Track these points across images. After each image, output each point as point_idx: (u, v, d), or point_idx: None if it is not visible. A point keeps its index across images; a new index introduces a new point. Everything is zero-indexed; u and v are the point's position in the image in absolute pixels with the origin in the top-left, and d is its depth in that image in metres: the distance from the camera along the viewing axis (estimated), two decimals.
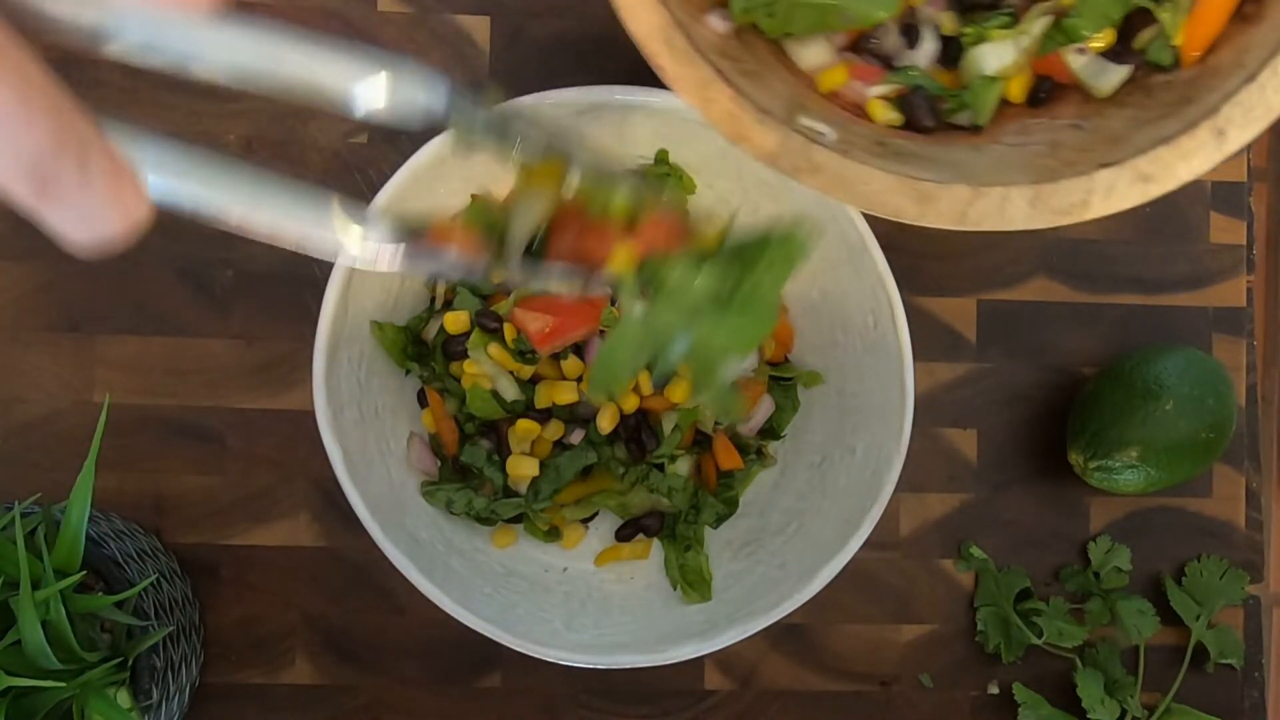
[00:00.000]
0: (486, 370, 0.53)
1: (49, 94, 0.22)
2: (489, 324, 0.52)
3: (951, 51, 0.49)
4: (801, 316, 0.56)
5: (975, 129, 0.49)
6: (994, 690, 0.60)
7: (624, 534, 0.56)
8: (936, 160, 0.45)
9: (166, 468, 0.57)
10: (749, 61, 0.46)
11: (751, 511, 0.56)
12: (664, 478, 0.54)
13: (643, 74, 0.60)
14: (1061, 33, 0.48)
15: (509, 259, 0.34)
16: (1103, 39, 0.48)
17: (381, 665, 0.58)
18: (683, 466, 0.55)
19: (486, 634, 0.49)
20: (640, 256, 0.35)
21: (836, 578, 0.50)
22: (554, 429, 0.53)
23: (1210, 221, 0.62)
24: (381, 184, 0.48)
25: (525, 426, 0.53)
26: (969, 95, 0.48)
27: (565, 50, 0.59)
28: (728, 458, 0.54)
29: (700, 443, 0.55)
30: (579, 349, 0.53)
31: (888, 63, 0.49)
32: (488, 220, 0.35)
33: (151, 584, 0.50)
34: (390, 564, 0.48)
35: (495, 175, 0.40)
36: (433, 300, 0.54)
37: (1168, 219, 0.61)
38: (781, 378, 0.56)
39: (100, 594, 0.48)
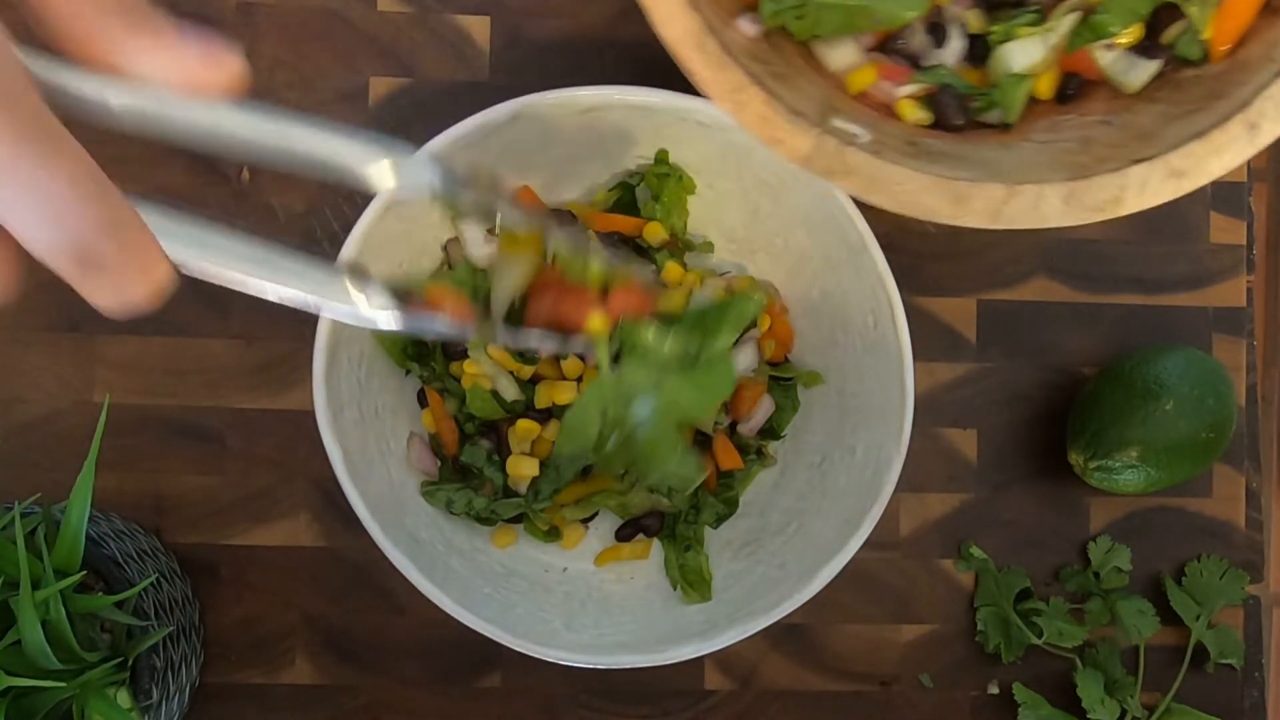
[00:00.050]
0: (486, 370, 0.53)
1: (96, 179, 0.23)
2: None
3: (978, 50, 0.49)
4: (801, 316, 0.56)
5: (1004, 127, 0.49)
6: (994, 690, 0.60)
7: (624, 534, 0.56)
8: (968, 159, 0.45)
9: (166, 468, 0.57)
10: (779, 64, 0.46)
11: (751, 511, 0.56)
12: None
13: (643, 74, 0.60)
14: (1089, 29, 0.48)
15: (494, 321, 0.38)
16: (1131, 34, 0.48)
17: (381, 665, 0.58)
18: None
19: (486, 634, 0.49)
20: (613, 321, 0.39)
21: (836, 578, 0.50)
22: (554, 429, 0.53)
23: (1210, 221, 0.62)
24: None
25: (525, 426, 0.53)
26: (998, 93, 0.48)
27: (565, 50, 0.59)
28: (728, 458, 0.54)
29: (700, 443, 0.55)
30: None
31: (915, 62, 0.49)
32: (472, 284, 0.39)
33: (151, 584, 0.50)
34: (390, 564, 0.48)
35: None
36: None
37: (1168, 219, 0.61)
38: (781, 378, 0.56)
39: (100, 594, 0.48)
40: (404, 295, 0.32)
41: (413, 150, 0.31)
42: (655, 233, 0.54)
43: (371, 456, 0.51)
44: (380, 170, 0.31)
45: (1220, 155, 0.42)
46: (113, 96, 0.26)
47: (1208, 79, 0.46)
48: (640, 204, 0.55)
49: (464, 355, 0.53)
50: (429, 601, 0.48)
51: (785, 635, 0.59)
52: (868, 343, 0.52)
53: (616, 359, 0.40)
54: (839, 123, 0.45)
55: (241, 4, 0.58)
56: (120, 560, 0.49)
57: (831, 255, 0.52)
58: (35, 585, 0.43)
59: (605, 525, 0.56)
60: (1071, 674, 0.58)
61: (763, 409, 0.55)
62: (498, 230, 0.39)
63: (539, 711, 0.58)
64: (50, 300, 0.56)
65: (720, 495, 0.56)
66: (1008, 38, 0.48)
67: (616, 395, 0.40)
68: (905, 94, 0.49)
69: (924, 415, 0.59)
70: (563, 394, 0.52)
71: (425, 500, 0.54)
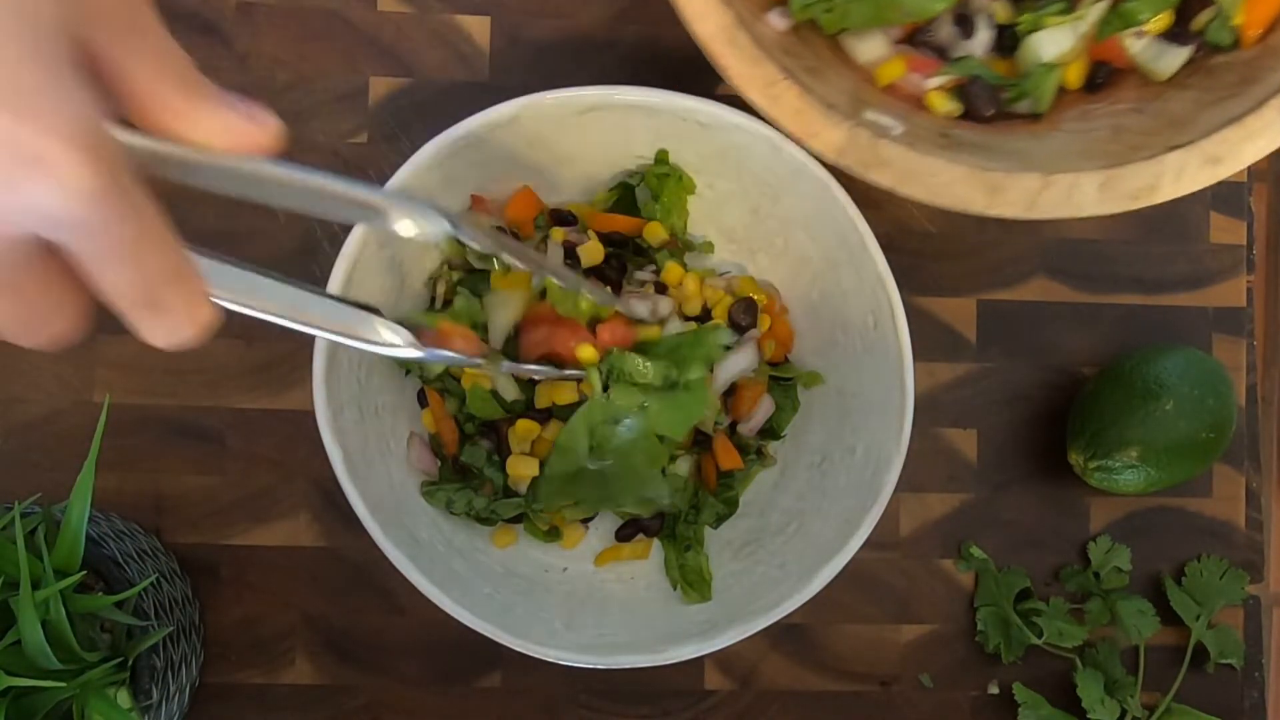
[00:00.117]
0: (486, 370, 0.53)
1: (163, 231, 0.27)
2: None
3: (1006, 40, 0.49)
4: (801, 317, 0.56)
5: (1034, 117, 0.49)
6: (994, 690, 0.60)
7: (624, 534, 0.56)
8: (999, 149, 0.46)
9: (166, 468, 0.57)
10: (808, 58, 0.46)
11: (751, 511, 0.56)
12: (665, 478, 0.54)
13: (643, 74, 0.60)
14: (1118, 17, 0.48)
15: (497, 351, 0.43)
16: (1160, 21, 0.48)
17: (381, 665, 0.58)
18: (683, 466, 0.55)
19: (486, 634, 0.49)
20: (602, 350, 0.45)
21: (836, 578, 0.49)
22: (554, 429, 0.53)
23: (1210, 221, 0.62)
24: (382, 183, 0.48)
25: (525, 426, 0.53)
26: (1028, 83, 0.48)
27: (565, 50, 0.59)
28: (728, 458, 0.54)
29: (700, 443, 0.55)
30: None
31: (943, 54, 0.49)
32: (472, 318, 0.45)
33: (151, 584, 0.50)
34: (390, 564, 0.48)
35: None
36: (433, 300, 0.54)
37: (1168, 219, 0.61)
38: (781, 378, 0.56)
39: (100, 594, 0.48)
40: (418, 330, 0.37)
41: (427, 205, 0.35)
42: (655, 233, 0.54)
43: (371, 456, 0.51)
44: (401, 222, 0.35)
45: (1255, 141, 0.42)
46: (171, 157, 0.29)
47: (1239, 65, 0.46)
48: (640, 204, 0.55)
49: None
50: (429, 601, 0.48)
51: (785, 635, 0.59)
52: (868, 343, 0.52)
53: (605, 384, 0.45)
54: (872, 115, 0.45)
55: (241, 4, 0.58)
56: (120, 560, 0.49)
57: (831, 255, 0.52)
58: (35, 585, 0.43)
59: (605, 525, 0.56)
60: (1071, 674, 0.58)
61: (763, 409, 0.55)
62: (496, 268, 0.45)
63: (539, 711, 0.58)
64: None
65: (720, 495, 0.55)
66: (1036, 27, 0.48)
67: (605, 416, 0.45)
68: (934, 86, 0.49)
69: (924, 415, 0.59)
70: (563, 394, 0.52)
71: (425, 500, 0.54)
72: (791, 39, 0.47)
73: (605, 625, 0.52)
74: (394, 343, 0.37)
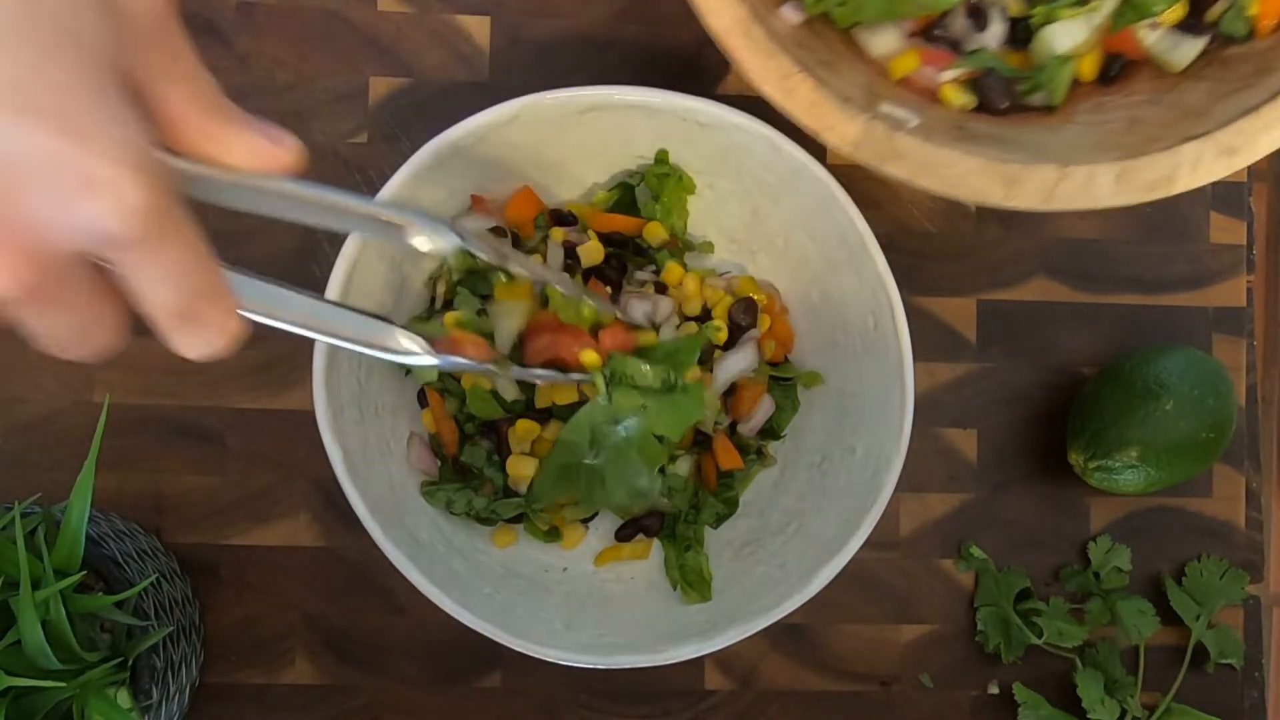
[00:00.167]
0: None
1: (202, 249, 0.28)
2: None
3: (1019, 33, 0.49)
4: (802, 317, 0.56)
5: (1049, 109, 0.49)
6: (994, 690, 0.60)
7: (624, 534, 0.56)
8: (1015, 142, 0.46)
9: (166, 468, 0.57)
10: (822, 52, 0.47)
11: (751, 511, 0.56)
12: (664, 478, 0.54)
13: (643, 74, 0.60)
14: (1132, 9, 0.48)
15: (507, 358, 0.46)
16: (1174, 13, 0.48)
17: (381, 665, 0.58)
18: (683, 466, 0.55)
19: (486, 634, 0.49)
20: (604, 355, 0.47)
21: (836, 578, 0.49)
22: (554, 429, 0.53)
23: (1210, 221, 0.62)
24: (381, 183, 0.49)
25: (525, 426, 0.53)
26: (1043, 76, 0.48)
27: (565, 50, 0.59)
28: (728, 458, 0.54)
29: (700, 443, 0.55)
30: None
31: (956, 47, 0.49)
32: (478, 326, 0.48)
33: (151, 584, 0.50)
34: (390, 564, 0.48)
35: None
36: (433, 300, 0.54)
37: (1168, 219, 0.61)
38: (781, 378, 0.56)
39: (100, 594, 0.48)
40: (432, 339, 0.39)
41: (440, 222, 0.38)
42: (655, 233, 0.54)
43: (371, 456, 0.51)
44: (417, 238, 0.38)
45: (1271, 131, 0.42)
46: (201, 177, 0.31)
47: (1254, 55, 0.46)
48: (640, 204, 0.55)
49: None
50: (429, 601, 0.48)
51: (785, 635, 0.59)
52: (868, 343, 0.52)
53: (609, 384, 0.47)
54: (887, 108, 0.45)
55: (241, 4, 0.58)
56: (120, 560, 0.49)
57: (832, 255, 0.52)
58: (35, 585, 0.43)
59: (605, 525, 0.56)
60: (1071, 674, 0.58)
61: (763, 409, 0.55)
62: (502, 280, 0.49)
63: (539, 711, 0.58)
64: None
65: (720, 495, 0.55)
66: (1050, 19, 0.48)
67: (606, 417, 0.47)
68: (948, 79, 0.49)
69: (924, 415, 0.59)
70: (562, 395, 0.52)
71: (425, 500, 0.54)
72: (805, 33, 0.47)
73: (605, 625, 0.52)
74: (413, 351, 0.39)
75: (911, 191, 0.60)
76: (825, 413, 0.55)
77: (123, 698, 0.47)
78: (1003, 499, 0.60)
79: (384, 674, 0.58)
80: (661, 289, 0.54)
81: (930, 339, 0.60)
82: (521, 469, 0.53)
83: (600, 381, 0.47)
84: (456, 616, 0.48)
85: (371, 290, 0.51)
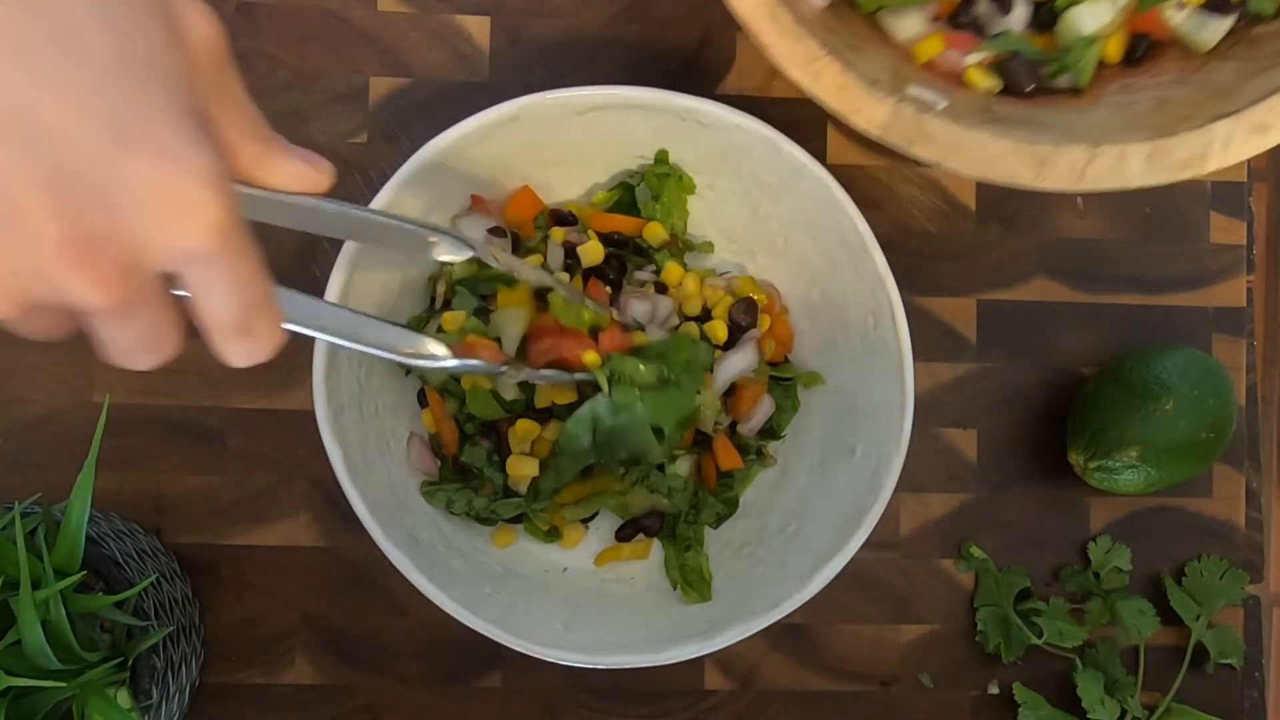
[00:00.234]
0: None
1: (261, 264, 0.31)
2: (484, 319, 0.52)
3: (1044, 15, 0.49)
4: (802, 318, 0.56)
5: (1075, 91, 0.49)
6: (994, 690, 0.60)
7: (624, 534, 0.56)
8: (1044, 124, 0.46)
9: (166, 468, 0.57)
10: (847, 35, 0.47)
11: (751, 511, 0.56)
12: (664, 478, 0.54)
13: (643, 74, 0.60)
14: None
15: (517, 359, 0.50)
16: None
17: (381, 665, 0.58)
18: (683, 466, 0.55)
19: (486, 634, 0.49)
20: (603, 355, 0.49)
21: (836, 578, 0.49)
22: (554, 429, 0.53)
23: (1210, 221, 0.62)
24: (382, 182, 0.49)
25: (525, 426, 0.53)
26: (1069, 58, 0.48)
27: (565, 50, 0.59)
28: (728, 458, 0.54)
29: (700, 443, 0.55)
30: None
31: (980, 31, 0.49)
32: (478, 327, 0.50)
33: (151, 584, 0.50)
34: (390, 564, 0.48)
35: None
36: (433, 300, 0.54)
37: (1168, 219, 0.61)
38: (781, 378, 0.56)
39: (100, 594, 0.48)
40: (450, 346, 0.42)
41: (457, 236, 0.43)
42: (655, 233, 0.54)
43: (371, 456, 0.51)
44: (438, 249, 0.44)
45: None
46: (248, 197, 0.34)
47: None
48: (640, 204, 0.55)
49: None
50: (429, 601, 0.48)
51: (785, 635, 0.59)
52: (868, 343, 0.52)
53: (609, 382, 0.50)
54: (915, 90, 0.45)
55: (241, 4, 0.58)
56: (120, 560, 0.49)
57: (831, 255, 0.52)
58: (35, 585, 0.43)
59: (605, 525, 0.56)
60: (1071, 674, 0.58)
61: (763, 409, 0.55)
62: (506, 286, 0.51)
63: (539, 711, 0.58)
64: None
65: (720, 495, 0.55)
66: (1075, 1, 0.48)
67: (608, 410, 0.50)
68: (973, 62, 0.49)
69: (924, 415, 0.59)
70: (562, 395, 0.52)
71: (425, 500, 0.54)
72: (830, 17, 0.47)
73: (605, 625, 0.52)
74: (439, 355, 0.42)
75: (911, 191, 0.60)
76: (825, 413, 0.55)
77: (123, 698, 0.47)
78: (1003, 499, 0.60)
79: (384, 674, 0.58)
80: (662, 289, 0.54)
81: (930, 339, 0.60)
82: (521, 469, 0.53)
83: (603, 379, 0.49)
84: (456, 616, 0.48)
85: (371, 290, 0.51)
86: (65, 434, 0.57)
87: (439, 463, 0.55)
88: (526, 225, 0.54)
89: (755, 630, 0.49)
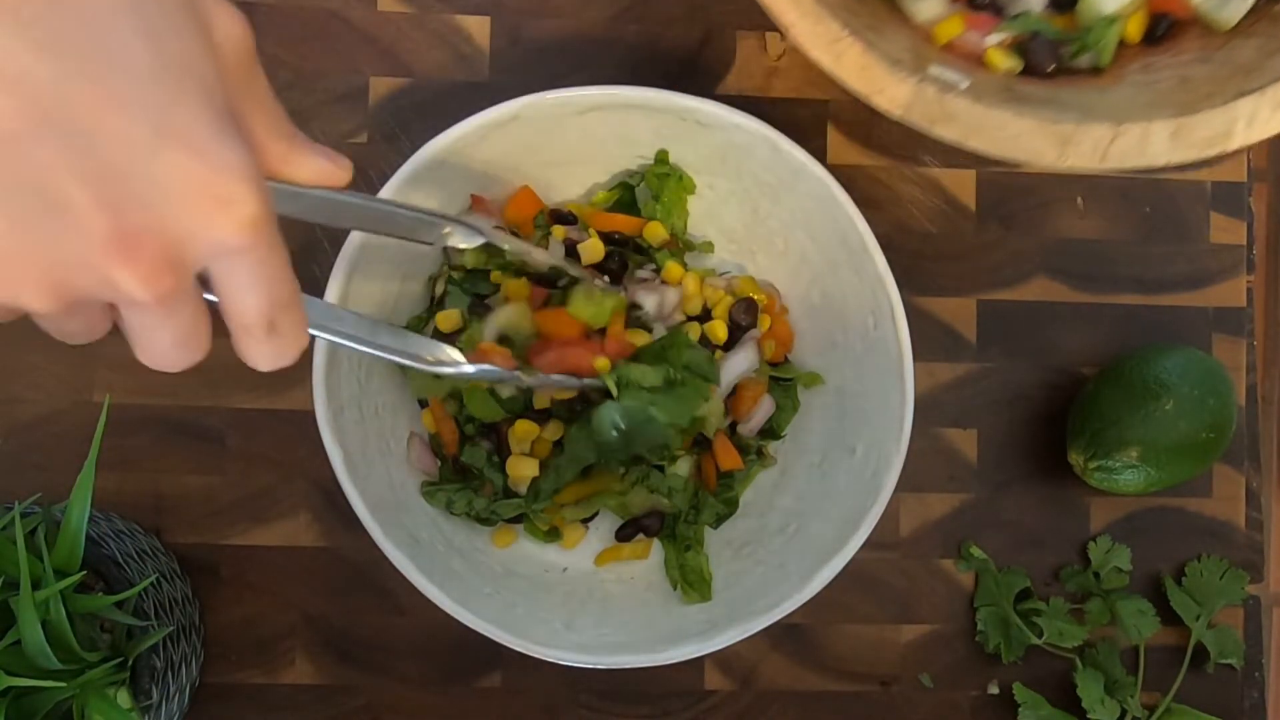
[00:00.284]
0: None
1: (289, 262, 0.31)
2: (480, 316, 0.52)
3: None
4: (802, 318, 0.56)
5: (1096, 71, 0.49)
6: (994, 690, 0.60)
7: (624, 534, 0.56)
8: (1066, 103, 0.45)
9: (166, 468, 0.57)
10: (867, 17, 0.47)
11: (751, 511, 0.56)
12: (664, 478, 0.54)
13: (643, 74, 0.60)
14: None
15: (530, 366, 0.50)
16: None
17: (381, 665, 0.58)
18: (683, 467, 0.55)
19: (486, 634, 0.49)
20: (612, 361, 0.50)
21: (836, 578, 0.49)
22: (554, 429, 0.53)
23: (1210, 221, 0.62)
24: (382, 182, 0.49)
25: (525, 427, 0.53)
26: (1090, 37, 0.48)
27: (565, 50, 0.59)
28: (728, 458, 0.54)
29: (700, 443, 0.55)
30: None
31: (1000, 11, 0.49)
32: (477, 327, 0.51)
33: (151, 584, 0.50)
34: (390, 564, 0.48)
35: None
36: (432, 299, 0.54)
37: (1168, 219, 0.61)
38: (781, 378, 0.56)
39: (100, 594, 0.48)
40: (465, 352, 0.44)
41: (469, 223, 0.45)
42: (655, 233, 0.54)
43: (371, 456, 0.51)
44: (452, 236, 0.46)
45: None
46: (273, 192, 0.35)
47: None
48: (640, 204, 0.55)
49: None
50: (429, 601, 0.48)
51: (785, 635, 0.59)
52: (868, 343, 0.52)
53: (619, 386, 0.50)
54: (936, 70, 0.45)
55: (241, 4, 0.58)
56: (120, 560, 0.49)
57: (831, 255, 0.52)
58: (35, 585, 0.43)
59: (605, 525, 0.56)
60: (1071, 674, 0.58)
61: (763, 409, 0.55)
62: (504, 289, 0.52)
63: (539, 711, 0.58)
64: None
65: (720, 495, 0.55)
66: None
67: (621, 412, 0.50)
68: (993, 42, 0.49)
69: (924, 415, 0.59)
70: (562, 394, 0.52)
71: (425, 500, 0.54)
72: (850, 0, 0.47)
73: (605, 625, 0.52)
74: (454, 361, 0.43)
75: (911, 191, 0.60)
76: (825, 413, 0.55)
77: (123, 698, 0.47)
78: (1003, 499, 0.60)
79: (384, 674, 0.58)
80: None
81: (930, 339, 0.60)
82: (521, 469, 0.53)
83: (612, 384, 0.50)
84: (456, 616, 0.48)
85: (372, 290, 0.51)
86: (65, 434, 0.57)
87: (439, 463, 0.55)
88: (526, 225, 0.54)
89: (755, 630, 0.49)
